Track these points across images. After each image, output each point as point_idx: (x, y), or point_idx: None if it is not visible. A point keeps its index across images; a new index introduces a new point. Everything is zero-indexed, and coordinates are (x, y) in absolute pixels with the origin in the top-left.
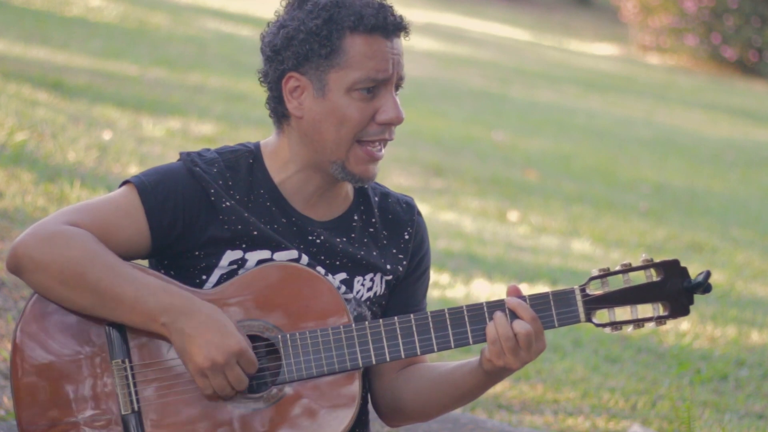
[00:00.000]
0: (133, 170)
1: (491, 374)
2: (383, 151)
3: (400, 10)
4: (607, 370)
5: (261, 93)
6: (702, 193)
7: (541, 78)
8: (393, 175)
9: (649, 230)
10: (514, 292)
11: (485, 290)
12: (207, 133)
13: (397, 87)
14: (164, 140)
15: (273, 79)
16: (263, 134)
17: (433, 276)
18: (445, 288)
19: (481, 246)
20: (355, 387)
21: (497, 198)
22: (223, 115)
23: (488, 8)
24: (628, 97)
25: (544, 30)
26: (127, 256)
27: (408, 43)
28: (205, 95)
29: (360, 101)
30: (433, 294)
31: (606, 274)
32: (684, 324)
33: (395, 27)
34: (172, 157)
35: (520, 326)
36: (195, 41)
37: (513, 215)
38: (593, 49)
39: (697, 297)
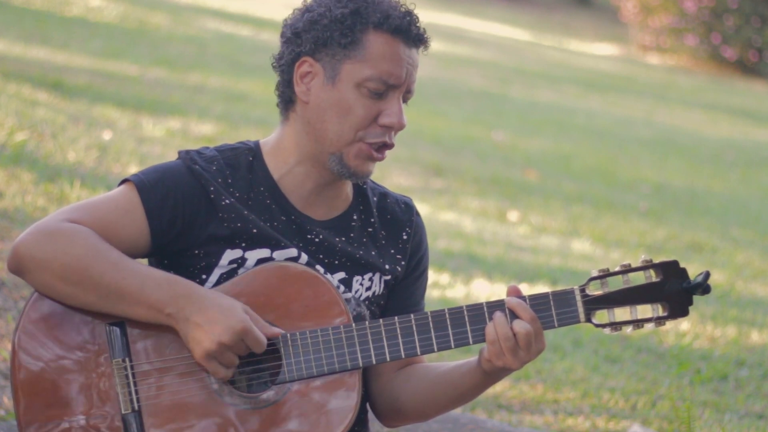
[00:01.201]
0: (133, 170)
1: (490, 374)
2: (384, 154)
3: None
4: (607, 370)
5: (261, 93)
6: (702, 193)
7: (541, 78)
8: (393, 175)
9: (649, 230)
10: (514, 292)
11: (485, 290)
12: (207, 133)
13: (405, 100)
14: (164, 140)
15: (287, 61)
16: (263, 134)
17: (433, 276)
18: (445, 288)
19: (481, 246)
20: (355, 386)
21: (497, 198)
22: (223, 115)
23: (488, 8)
24: (628, 97)
25: (544, 30)
26: (127, 255)
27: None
28: (205, 95)
29: (366, 98)
30: (433, 294)
31: (605, 274)
32: (684, 324)
33: (417, 37)
34: (172, 157)
35: (520, 326)
36: (195, 41)
37: (513, 215)
38: (593, 49)
39: (697, 297)
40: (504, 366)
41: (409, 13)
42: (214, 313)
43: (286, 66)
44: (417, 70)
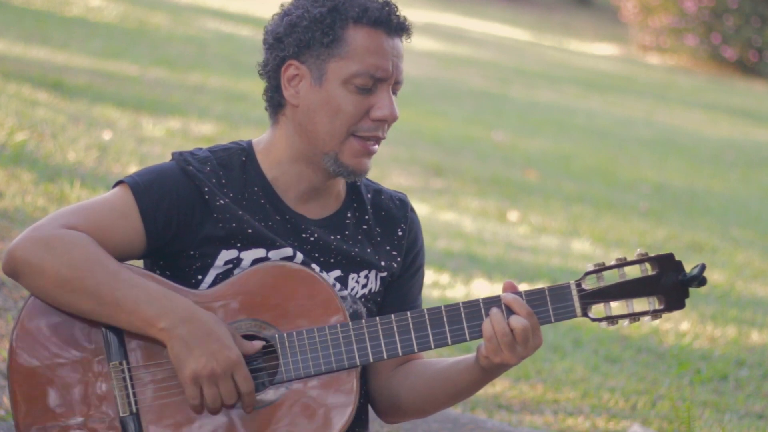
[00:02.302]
0: (133, 170)
1: (488, 370)
2: (377, 146)
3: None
4: (607, 370)
5: (261, 93)
6: (702, 193)
7: (541, 78)
8: (393, 175)
9: (649, 230)
10: (510, 288)
11: (485, 290)
12: (207, 133)
13: (394, 91)
14: (164, 140)
15: (273, 67)
16: (263, 134)
17: (433, 276)
18: (445, 288)
19: (481, 246)
20: (353, 385)
21: (497, 198)
22: (223, 115)
23: (488, 8)
24: (628, 97)
25: (544, 30)
26: (123, 257)
27: (408, 42)
28: (205, 95)
29: (355, 95)
30: (433, 294)
31: (601, 268)
32: (684, 324)
33: (398, 26)
34: (171, 158)
35: (517, 321)
36: (195, 41)
37: (513, 215)
38: (593, 49)
39: (697, 297)
40: (502, 362)
41: (387, 3)
42: (209, 338)
43: (272, 72)
44: (403, 60)
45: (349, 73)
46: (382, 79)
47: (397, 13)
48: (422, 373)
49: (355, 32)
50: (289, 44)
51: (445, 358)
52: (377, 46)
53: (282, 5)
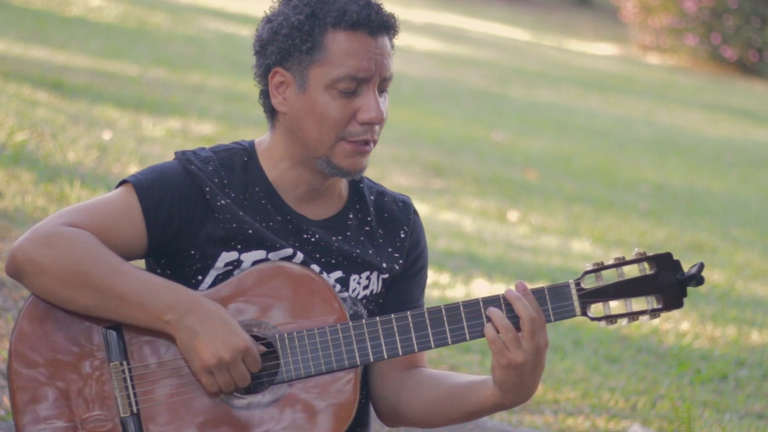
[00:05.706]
0: (133, 170)
1: (502, 387)
2: (371, 145)
3: (399, 10)
4: (607, 370)
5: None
6: (702, 193)
7: (541, 78)
8: (393, 175)
9: (649, 230)
10: (522, 288)
11: (485, 290)
12: (207, 133)
13: (382, 89)
14: (164, 140)
15: (260, 73)
16: (263, 134)
17: (433, 276)
18: (445, 288)
19: (481, 246)
20: (353, 385)
21: (497, 198)
22: (223, 115)
23: (488, 8)
24: (628, 97)
25: (544, 30)
26: (125, 256)
27: (408, 43)
28: (205, 95)
29: (339, 99)
30: (433, 294)
31: (600, 268)
32: (684, 324)
33: (379, 25)
34: (171, 157)
35: (523, 310)
36: (195, 41)
37: (513, 215)
38: (593, 49)
39: (697, 297)
40: (509, 363)
41: (368, 4)
42: (216, 327)
43: (261, 78)
44: (389, 57)
45: (331, 78)
46: (365, 79)
47: (379, 12)
48: (436, 386)
49: (334, 37)
50: (272, 52)
51: (461, 374)
52: (357, 49)
53: (265, 11)
